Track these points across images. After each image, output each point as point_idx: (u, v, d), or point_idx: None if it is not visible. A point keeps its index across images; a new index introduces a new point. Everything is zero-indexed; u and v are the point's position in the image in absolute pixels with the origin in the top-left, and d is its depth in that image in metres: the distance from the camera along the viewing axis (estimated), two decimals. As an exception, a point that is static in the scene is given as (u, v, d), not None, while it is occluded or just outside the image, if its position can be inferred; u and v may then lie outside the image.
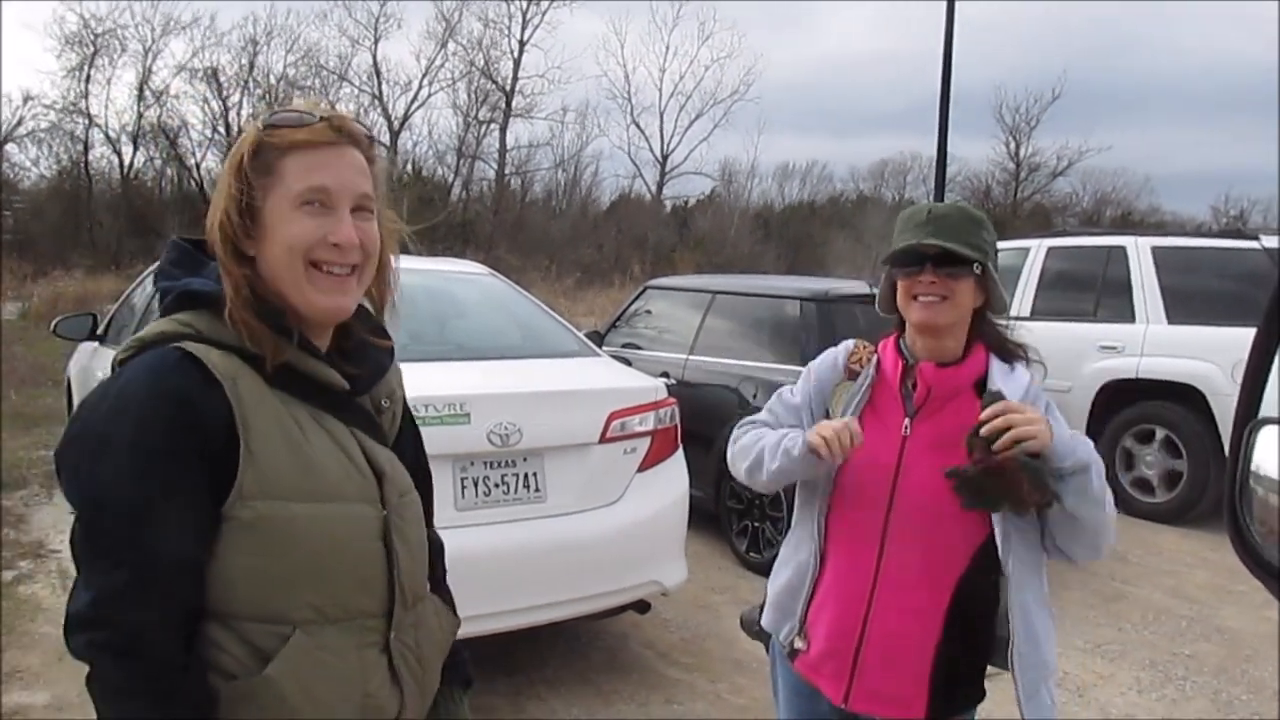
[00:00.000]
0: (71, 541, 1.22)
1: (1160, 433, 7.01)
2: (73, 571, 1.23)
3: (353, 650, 1.29)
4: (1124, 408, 7.21)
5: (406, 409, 1.55)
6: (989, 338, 1.99)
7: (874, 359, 2.03)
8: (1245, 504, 0.90)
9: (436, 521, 3.65)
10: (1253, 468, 0.89)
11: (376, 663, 1.32)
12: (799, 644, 2.01)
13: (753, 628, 2.25)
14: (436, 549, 1.58)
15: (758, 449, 2.03)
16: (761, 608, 2.18)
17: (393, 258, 1.43)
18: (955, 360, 1.95)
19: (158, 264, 1.35)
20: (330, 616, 1.27)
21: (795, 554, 2.06)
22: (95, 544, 1.18)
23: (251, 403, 1.23)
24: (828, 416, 2.00)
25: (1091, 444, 1.86)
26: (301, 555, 1.24)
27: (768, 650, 2.20)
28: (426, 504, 1.51)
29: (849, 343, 2.09)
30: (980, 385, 1.94)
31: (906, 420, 1.95)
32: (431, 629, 1.44)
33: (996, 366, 1.96)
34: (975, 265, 1.88)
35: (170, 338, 1.25)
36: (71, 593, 1.20)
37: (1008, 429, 1.74)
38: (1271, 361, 0.87)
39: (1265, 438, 0.87)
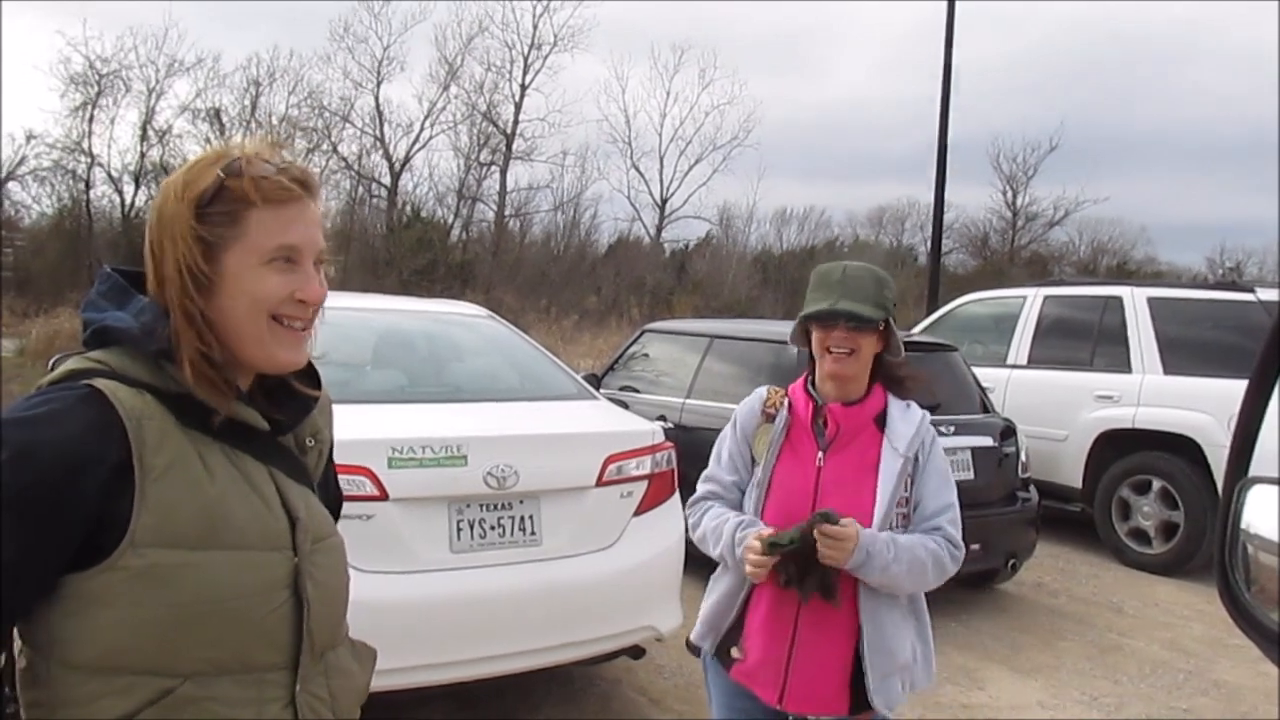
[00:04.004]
0: None
1: (1157, 483, 7.00)
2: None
3: (250, 704, 1.24)
4: (1120, 458, 7.21)
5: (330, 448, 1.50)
6: (886, 378, 2.32)
7: (785, 402, 2.34)
8: (1235, 563, 0.91)
9: (432, 563, 3.63)
10: (1243, 525, 0.90)
11: (278, 719, 1.27)
12: (736, 654, 2.28)
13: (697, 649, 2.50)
14: None
15: (721, 546, 2.28)
16: None
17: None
18: (859, 399, 2.28)
19: (87, 295, 1.31)
20: (225, 668, 1.22)
21: (726, 575, 2.34)
22: None
23: (154, 444, 1.19)
24: (754, 459, 2.34)
25: (902, 542, 2.17)
26: (197, 605, 1.19)
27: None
28: None
29: (762, 390, 2.42)
30: (880, 420, 2.28)
31: (820, 454, 2.27)
32: (350, 674, 1.40)
33: (894, 404, 2.31)
34: (879, 323, 2.23)
35: (80, 375, 1.21)
36: None
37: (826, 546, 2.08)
38: (1261, 418, 0.88)
39: (1255, 496, 0.88)
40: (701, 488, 2.42)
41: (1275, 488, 0.86)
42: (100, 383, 1.19)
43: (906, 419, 2.28)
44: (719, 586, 2.36)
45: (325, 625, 1.33)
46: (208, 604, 1.20)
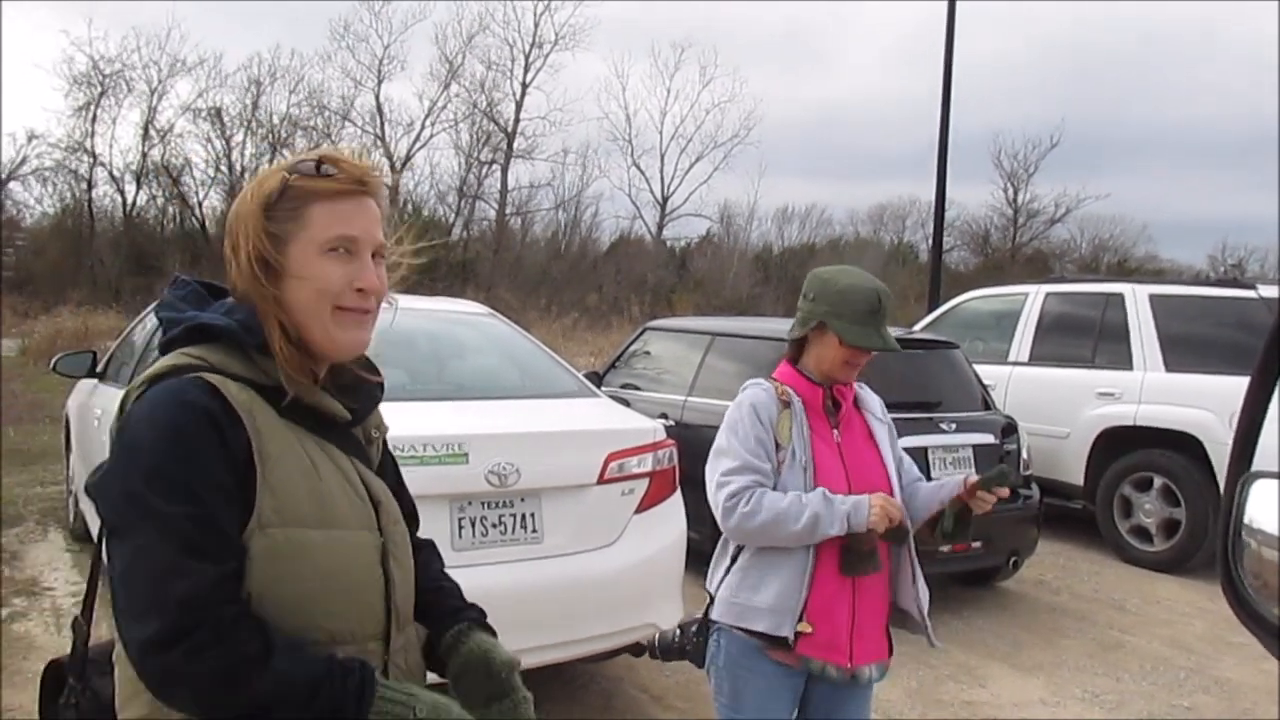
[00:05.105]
0: (98, 573, 1.22)
1: (1158, 481, 6.99)
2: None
3: None
4: (1122, 455, 7.20)
5: (384, 443, 1.59)
6: None
7: (790, 390, 2.49)
8: (1238, 557, 0.91)
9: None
10: (1246, 520, 0.90)
11: None
12: (805, 629, 2.37)
13: (671, 648, 2.60)
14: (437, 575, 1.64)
15: (808, 517, 2.33)
16: (682, 629, 2.59)
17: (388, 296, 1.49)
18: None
19: (161, 299, 1.41)
20: (339, 639, 1.30)
21: (783, 562, 2.40)
22: (160, 558, 1.17)
23: (267, 433, 1.28)
24: (777, 443, 2.43)
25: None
26: (315, 580, 1.28)
27: (701, 665, 2.54)
28: (410, 531, 1.55)
29: (764, 381, 2.54)
30: (854, 399, 2.57)
31: (835, 431, 2.49)
32: (417, 649, 1.49)
33: (858, 385, 2.59)
34: None
35: (183, 370, 1.28)
36: (126, 625, 1.19)
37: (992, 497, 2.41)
38: (1264, 413, 0.88)
39: (1258, 491, 0.88)
40: (744, 478, 2.41)
41: (1277, 482, 0.86)
42: (208, 376, 1.27)
43: (869, 394, 2.63)
44: (781, 571, 2.39)
45: (405, 600, 1.43)
46: (327, 577, 1.29)
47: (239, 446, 1.24)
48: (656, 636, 2.65)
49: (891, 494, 2.45)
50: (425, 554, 1.60)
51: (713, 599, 2.52)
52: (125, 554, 1.20)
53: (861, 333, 2.39)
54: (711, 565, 2.59)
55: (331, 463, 1.36)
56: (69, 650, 1.50)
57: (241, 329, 1.32)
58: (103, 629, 1.38)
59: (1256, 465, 0.89)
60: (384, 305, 1.45)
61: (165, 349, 1.34)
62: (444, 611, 1.55)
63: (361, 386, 1.47)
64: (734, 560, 2.49)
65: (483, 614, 1.61)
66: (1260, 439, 0.88)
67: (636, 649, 4.01)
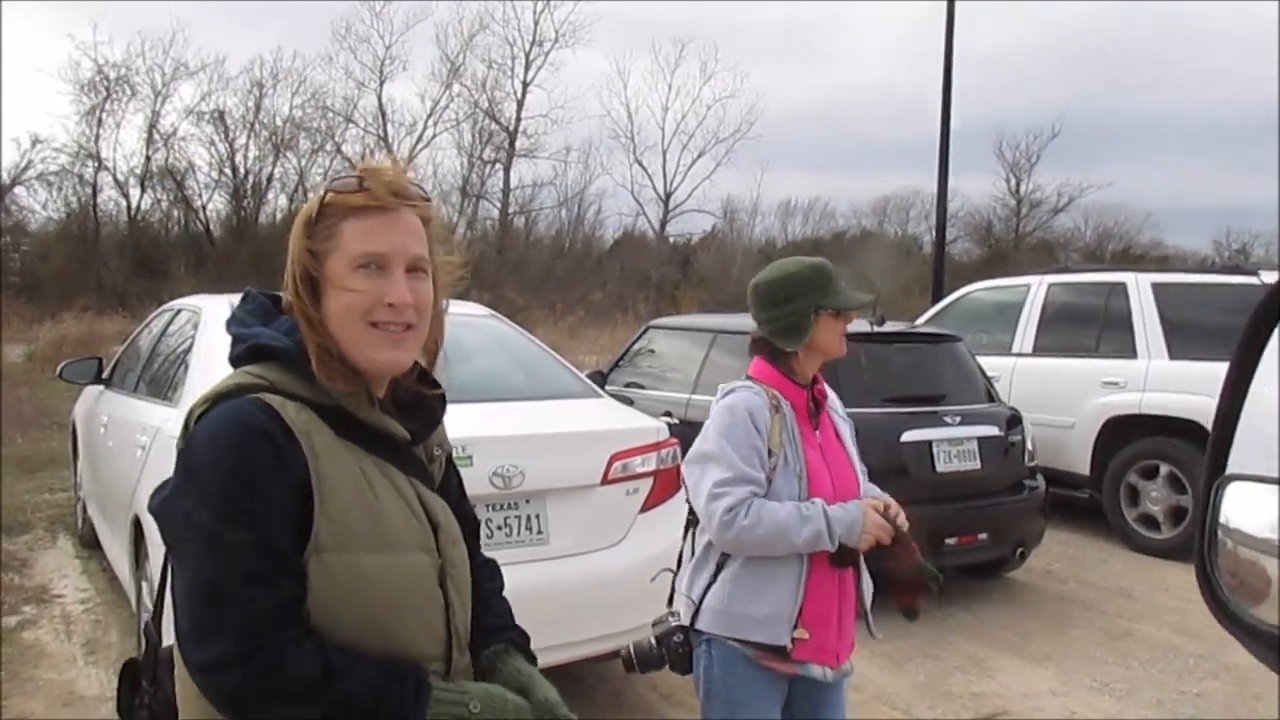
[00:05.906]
0: (167, 590, 1.24)
1: (1164, 468, 7.00)
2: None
3: None
4: (1127, 443, 7.21)
5: (449, 454, 1.59)
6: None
7: (778, 394, 2.44)
8: (1215, 560, 0.92)
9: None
10: (1222, 521, 0.91)
11: None
12: (802, 635, 2.37)
13: (651, 659, 2.49)
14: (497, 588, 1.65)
15: (810, 532, 2.31)
16: (659, 640, 2.49)
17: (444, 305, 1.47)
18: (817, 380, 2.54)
19: (231, 312, 1.43)
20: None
21: (777, 571, 2.38)
22: (221, 583, 1.20)
23: (324, 455, 1.28)
24: (770, 450, 2.38)
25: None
26: (374, 603, 1.28)
27: (686, 672, 2.48)
28: (472, 547, 1.55)
29: (754, 385, 2.45)
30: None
31: (817, 432, 2.48)
32: (471, 674, 1.47)
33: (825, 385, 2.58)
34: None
35: (245, 390, 1.30)
36: (188, 647, 1.22)
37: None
38: (1238, 415, 0.89)
39: (1234, 492, 0.89)
40: (741, 489, 2.33)
41: (1254, 484, 0.87)
42: (267, 398, 1.28)
43: (830, 391, 2.60)
44: (776, 581, 2.37)
45: (464, 620, 1.43)
46: (385, 600, 1.29)
47: (297, 469, 1.25)
48: (633, 649, 2.52)
49: (859, 493, 2.47)
50: (484, 572, 1.60)
51: (697, 608, 2.44)
52: (186, 577, 1.23)
53: (844, 293, 2.42)
54: (690, 572, 2.52)
55: (389, 483, 1.36)
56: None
57: (299, 349, 1.33)
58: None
59: (1232, 466, 0.90)
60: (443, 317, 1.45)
61: (233, 365, 1.38)
62: (483, 628, 1.52)
63: (422, 405, 1.46)
64: (719, 568, 2.43)
65: (525, 637, 1.59)
66: (1234, 440, 0.89)
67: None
